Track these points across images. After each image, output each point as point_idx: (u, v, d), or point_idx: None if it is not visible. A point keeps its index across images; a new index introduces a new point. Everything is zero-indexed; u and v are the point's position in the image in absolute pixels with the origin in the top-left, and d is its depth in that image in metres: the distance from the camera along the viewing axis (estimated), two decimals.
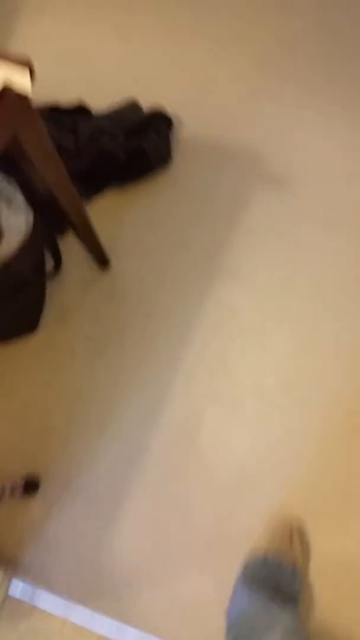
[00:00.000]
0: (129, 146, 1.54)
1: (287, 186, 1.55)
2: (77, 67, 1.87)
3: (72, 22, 2.01)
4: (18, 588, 1.24)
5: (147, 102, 1.72)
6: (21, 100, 0.82)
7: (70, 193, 1.16)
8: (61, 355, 1.44)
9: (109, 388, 1.39)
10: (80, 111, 1.59)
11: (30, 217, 1.21)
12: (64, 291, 1.51)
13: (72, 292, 1.50)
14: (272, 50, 1.78)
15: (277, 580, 1.07)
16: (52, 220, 1.50)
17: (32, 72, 0.79)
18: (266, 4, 1.88)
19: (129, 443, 1.33)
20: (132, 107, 1.70)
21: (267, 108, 1.68)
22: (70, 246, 1.52)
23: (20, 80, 0.78)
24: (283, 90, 1.70)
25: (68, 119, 1.57)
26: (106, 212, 1.59)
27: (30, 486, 1.29)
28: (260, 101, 1.70)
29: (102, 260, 1.48)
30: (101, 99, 1.74)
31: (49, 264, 1.44)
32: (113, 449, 1.33)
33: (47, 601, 1.22)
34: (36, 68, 0.80)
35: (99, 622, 1.19)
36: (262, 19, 1.86)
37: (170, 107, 1.70)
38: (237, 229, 1.51)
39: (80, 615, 1.20)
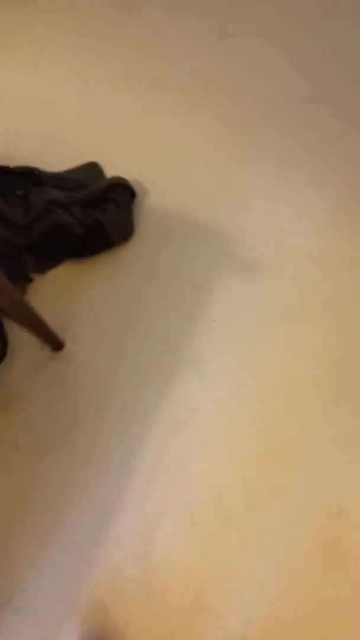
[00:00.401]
0: (86, 219, 1.43)
1: (256, 271, 1.47)
2: (32, 119, 1.76)
3: (32, 67, 1.89)
4: None
5: (108, 165, 1.62)
6: None
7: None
8: (2, 448, 1.30)
9: (54, 490, 1.26)
10: (33, 175, 1.46)
11: None
12: (10, 374, 1.37)
13: (19, 376, 1.37)
14: (249, 117, 1.71)
15: None
16: None
17: None
18: (250, 67, 1.82)
19: (74, 556, 1.20)
20: (92, 172, 1.60)
21: (238, 181, 1.61)
22: None
23: None
24: (256, 162, 1.63)
25: (18, 184, 1.43)
26: (61, 285, 1.47)
27: None
28: (230, 172, 1.63)
29: (53, 343, 1.35)
30: (58, 159, 1.63)
31: None
32: (57, 561, 1.20)
33: None
34: None
35: None
36: (242, 82, 1.79)
37: (134, 172, 1.60)
38: (202, 316, 1.42)
39: None
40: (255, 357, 1.37)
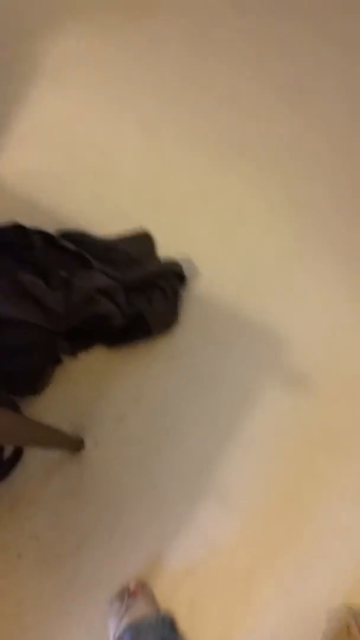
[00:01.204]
0: (129, 308, 1.30)
1: (305, 388, 1.32)
2: (87, 167, 1.63)
3: (94, 105, 1.74)
4: None
5: (159, 234, 1.48)
6: None
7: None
8: (5, 555, 1.21)
9: (51, 614, 1.17)
10: (81, 257, 1.32)
11: None
12: (24, 472, 1.27)
13: (33, 476, 1.27)
14: (322, 199, 1.52)
15: None
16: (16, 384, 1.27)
17: None
18: (331, 136, 1.61)
19: None
20: (144, 245, 1.46)
21: (297, 275, 1.45)
22: (41, 413, 1.29)
23: None
24: (321, 257, 1.46)
25: (63, 261, 1.31)
26: (89, 371, 1.36)
27: None
28: (290, 263, 1.46)
29: (71, 445, 1.25)
30: (108, 218, 1.50)
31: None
32: None
33: None
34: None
35: None
36: (320, 153, 1.60)
37: (185, 247, 1.47)
38: (238, 434, 1.28)
39: None
40: (288, 492, 1.22)
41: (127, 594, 1.12)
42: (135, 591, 1.12)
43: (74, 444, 1.25)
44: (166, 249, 1.47)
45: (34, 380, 1.29)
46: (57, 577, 1.19)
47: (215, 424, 1.29)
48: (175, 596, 1.15)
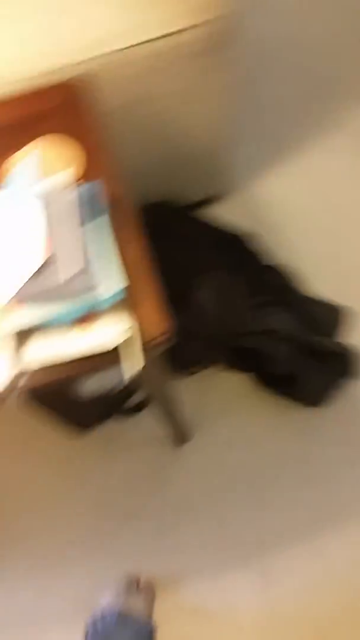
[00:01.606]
0: (290, 365, 1.36)
1: None
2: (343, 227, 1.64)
3: None
4: None
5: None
6: None
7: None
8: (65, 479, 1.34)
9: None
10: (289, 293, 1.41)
11: None
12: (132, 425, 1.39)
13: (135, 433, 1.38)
14: None
15: None
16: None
17: None
18: None
19: None
20: (332, 318, 1.50)
21: None
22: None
23: None
24: None
25: (273, 289, 1.41)
26: (230, 390, 1.43)
27: None
28: None
29: (180, 433, 1.34)
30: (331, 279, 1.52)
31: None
32: None
33: None
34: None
35: None
36: None
37: None
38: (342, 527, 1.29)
39: None
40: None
41: (135, 585, 1.17)
42: (141, 588, 1.17)
43: (182, 435, 1.34)
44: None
45: (187, 364, 1.38)
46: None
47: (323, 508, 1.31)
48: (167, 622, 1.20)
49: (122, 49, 0.98)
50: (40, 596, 1.27)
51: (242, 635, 1.20)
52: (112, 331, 0.67)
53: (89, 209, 0.73)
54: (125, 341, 0.66)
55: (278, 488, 1.32)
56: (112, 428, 1.39)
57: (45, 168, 0.78)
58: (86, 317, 0.68)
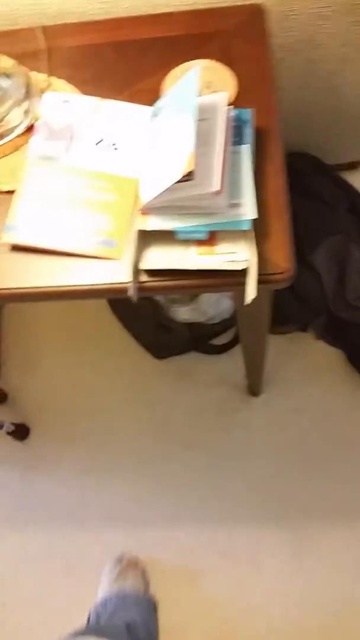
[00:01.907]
0: None
1: None
2: None
3: None
4: None
5: None
6: None
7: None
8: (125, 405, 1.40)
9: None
10: None
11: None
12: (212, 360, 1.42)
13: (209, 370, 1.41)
14: None
15: None
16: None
17: None
18: None
19: None
20: None
21: None
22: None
23: None
24: None
25: None
26: (316, 361, 1.42)
27: None
28: None
29: (252, 389, 1.36)
30: None
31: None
32: None
33: None
34: None
35: None
36: None
37: None
38: None
39: None
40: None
41: (121, 563, 1.21)
42: (126, 567, 1.21)
43: (258, 386, 1.35)
44: None
45: (286, 320, 1.37)
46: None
47: None
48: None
49: None
50: (85, 496, 1.36)
51: (262, 586, 1.24)
52: (232, 256, 0.68)
53: (237, 134, 0.73)
54: (243, 269, 0.67)
55: (337, 465, 1.31)
56: (190, 361, 1.43)
57: (205, 86, 0.78)
58: (211, 237, 0.70)
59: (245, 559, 1.26)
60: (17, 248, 0.75)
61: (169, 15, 0.91)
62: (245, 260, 0.67)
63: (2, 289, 0.74)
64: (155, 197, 0.67)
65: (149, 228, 0.70)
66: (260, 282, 0.66)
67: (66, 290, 0.74)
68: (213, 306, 1.22)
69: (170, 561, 1.28)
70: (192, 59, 0.84)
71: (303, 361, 1.39)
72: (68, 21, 0.99)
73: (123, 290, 0.72)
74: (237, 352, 1.40)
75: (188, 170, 0.61)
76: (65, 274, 0.74)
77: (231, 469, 1.33)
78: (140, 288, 0.71)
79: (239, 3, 0.89)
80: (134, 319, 1.43)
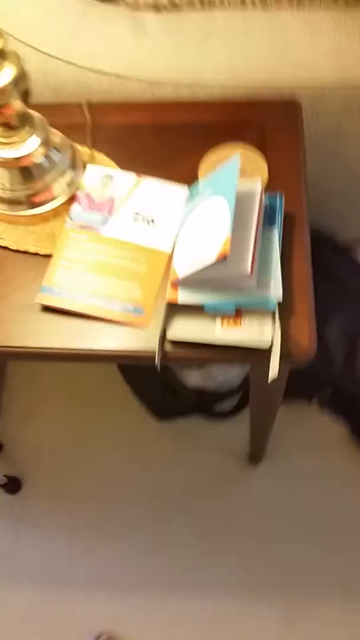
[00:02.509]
0: None
1: None
2: None
3: None
4: None
5: None
6: None
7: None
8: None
9: None
10: None
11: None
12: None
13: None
14: None
15: None
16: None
17: None
18: None
19: None
20: None
21: None
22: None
23: None
24: None
25: None
26: (316, 435, 1.44)
27: None
28: None
29: (253, 457, 1.37)
30: None
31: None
32: None
33: None
34: None
35: None
36: None
37: None
38: None
39: None
40: None
41: None
42: None
43: (259, 455, 1.35)
44: None
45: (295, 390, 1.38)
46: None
47: None
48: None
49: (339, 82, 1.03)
50: (72, 556, 1.34)
51: None
52: (258, 334, 0.72)
53: (267, 218, 0.78)
54: (267, 347, 0.71)
55: (333, 541, 1.31)
56: (191, 424, 1.44)
57: (241, 172, 0.84)
58: (237, 312, 0.73)
59: (233, 632, 1.23)
60: (49, 309, 0.79)
61: (208, 103, 0.99)
62: (270, 340, 0.70)
63: (33, 347, 0.76)
64: (189, 275, 0.71)
65: (179, 301, 0.73)
66: (282, 360, 0.69)
67: (93, 354, 0.76)
68: (223, 373, 1.25)
69: (155, 631, 1.24)
70: (226, 142, 0.90)
71: (306, 432, 1.41)
72: (112, 97, 1.07)
73: (148, 358, 0.74)
74: (239, 419, 1.42)
75: (223, 255, 0.66)
76: (93, 338, 0.76)
77: (225, 538, 1.32)
78: (164, 357, 0.74)
79: (276, 96, 0.96)
80: (138, 378, 1.45)
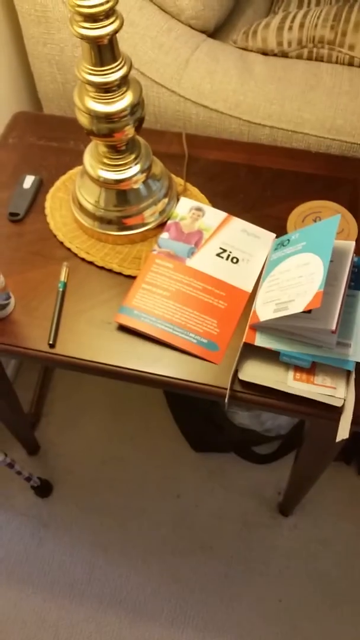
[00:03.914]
0: None
1: None
2: None
3: None
4: None
5: None
6: None
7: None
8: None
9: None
10: None
11: None
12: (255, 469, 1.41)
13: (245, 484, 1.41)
14: None
15: None
16: None
17: None
18: None
19: None
20: None
21: None
22: None
23: None
24: None
25: None
26: (343, 491, 1.41)
27: None
28: None
29: (285, 508, 1.35)
30: None
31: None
32: None
33: None
34: None
35: None
36: None
37: None
38: None
39: None
40: None
41: None
42: None
43: (291, 507, 1.33)
44: None
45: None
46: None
47: None
48: None
49: None
50: (90, 570, 1.33)
51: None
52: (331, 391, 0.71)
53: (355, 280, 0.78)
54: (337, 406, 0.70)
55: (353, 608, 1.27)
56: (227, 462, 1.43)
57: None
58: (312, 366, 0.73)
59: None
60: (124, 329, 0.80)
61: (305, 152, 1.01)
62: (343, 399, 0.70)
63: (105, 364, 0.78)
64: (272, 319, 0.71)
65: (257, 343, 0.74)
66: (353, 422, 0.69)
67: (160, 380, 0.77)
68: (272, 419, 1.24)
69: None
70: (319, 199, 0.91)
71: (340, 493, 1.38)
72: (207, 133, 1.10)
73: (217, 394, 0.75)
74: (275, 466, 1.40)
75: (313, 307, 0.66)
76: (163, 364, 0.78)
77: (244, 583, 1.30)
78: (233, 396, 0.75)
79: None
80: (183, 406, 1.45)
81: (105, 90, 0.71)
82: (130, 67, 0.71)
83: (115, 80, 0.70)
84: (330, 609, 1.26)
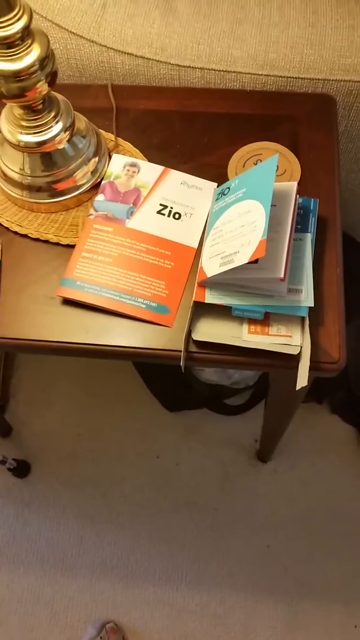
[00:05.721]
0: None
1: None
2: None
3: None
4: None
5: None
6: None
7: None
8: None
9: None
10: None
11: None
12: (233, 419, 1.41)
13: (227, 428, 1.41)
14: None
15: None
16: None
17: None
18: None
19: None
20: None
21: None
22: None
23: None
24: None
25: None
26: (320, 432, 1.43)
27: None
28: None
29: (262, 455, 1.36)
30: None
31: None
32: None
33: None
34: None
35: None
36: None
37: None
38: None
39: None
40: None
41: (105, 630, 1.20)
42: (107, 634, 1.20)
43: (269, 452, 1.34)
44: None
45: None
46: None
47: None
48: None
49: None
50: (78, 542, 1.33)
51: None
52: (286, 339, 0.69)
53: (300, 222, 0.75)
54: (294, 355, 0.68)
55: (339, 544, 1.30)
56: (201, 417, 1.43)
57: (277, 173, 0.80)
58: (265, 317, 0.71)
59: (238, 626, 1.24)
60: (70, 302, 0.76)
61: (240, 92, 0.95)
62: (299, 346, 0.68)
63: (52, 341, 0.74)
64: (219, 274, 0.68)
65: (207, 301, 0.71)
66: (311, 369, 0.67)
67: (114, 351, 0.74)
68: (239, 371, 1.23)
69: (159, 621, 1.25)
70: (258, 140, 0.87)
71: (315, 433, 1.40)
72: (136, 82, 1.03)
73: (172, 358, 0.72)
74: (249, 414, 1.40)
75: (258, 257, 0.63)
76: (114, 334, 0.74)
77: (231, 534, 1.32)
78: (189, 357, 0.72)
79: (309, 89, 0.93)
80: (152, 369, 1.43)
81: (8, 45, 0.65)
82: (31, 15, 0.64)
83: (17, 32, 0.64)
84: (316, 548, 1.29)
